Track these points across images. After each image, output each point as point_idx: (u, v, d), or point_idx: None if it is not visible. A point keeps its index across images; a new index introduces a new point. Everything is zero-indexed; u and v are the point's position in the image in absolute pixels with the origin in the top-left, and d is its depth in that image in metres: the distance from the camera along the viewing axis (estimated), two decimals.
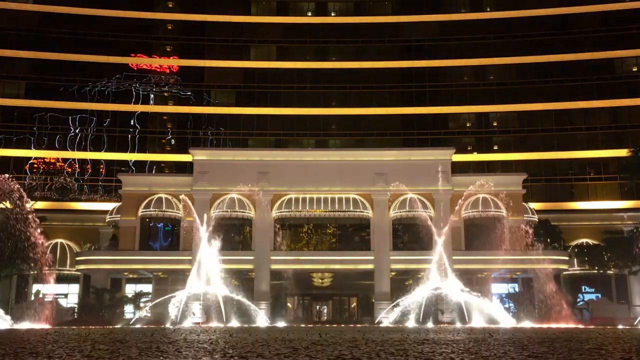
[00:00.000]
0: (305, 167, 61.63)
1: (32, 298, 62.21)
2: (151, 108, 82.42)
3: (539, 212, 67.26)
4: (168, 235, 61.80)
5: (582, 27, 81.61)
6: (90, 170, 78.97)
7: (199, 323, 53.40)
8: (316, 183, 60.87)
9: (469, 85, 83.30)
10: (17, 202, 54.25)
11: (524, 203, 63.20)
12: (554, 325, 48.43)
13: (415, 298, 50.57)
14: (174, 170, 79.60)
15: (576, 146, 79.35)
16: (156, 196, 61.45)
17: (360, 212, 60.83)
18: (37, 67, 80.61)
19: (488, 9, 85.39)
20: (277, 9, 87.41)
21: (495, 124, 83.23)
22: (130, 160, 79.60)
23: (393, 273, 60.24)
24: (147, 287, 62.26)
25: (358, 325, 49.83)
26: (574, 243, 70.17)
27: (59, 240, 70.36)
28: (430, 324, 51.82)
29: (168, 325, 47.65)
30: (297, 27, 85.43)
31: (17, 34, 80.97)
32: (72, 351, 15.18)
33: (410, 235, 61.40)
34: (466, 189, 61.91)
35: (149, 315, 59.07)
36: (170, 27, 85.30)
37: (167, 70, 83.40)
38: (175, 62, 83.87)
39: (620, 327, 44.55)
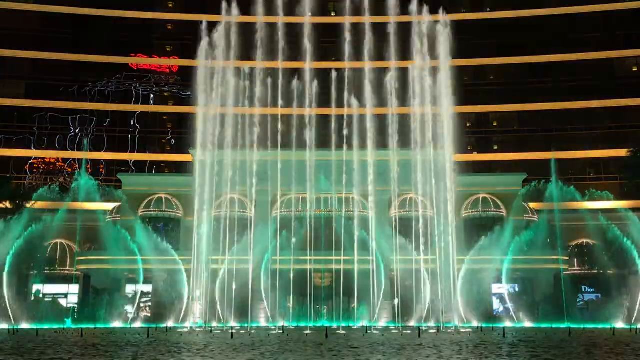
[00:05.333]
0: (305, 167, 61.53)
1: (32, 298, 62.18)
2: (151, 108, 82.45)
3: (539, 212, 67.19)
4: (168, 235, 61.76)
5: (582, 27, 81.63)
6: (90, 170, 78.95)
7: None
8: (316, 183, 60.78)
9: (469, 85, 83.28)
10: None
11: (524, 203, 63.23)
12: (554, 325, 48.48)
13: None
14: (174, 170, 79.61)
15: (576, 146, 79.32)
16: (156, 196, 61.46)
17: (360, 212, 60.80)
18: (37, 67, 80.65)
19: (488, 9, 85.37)
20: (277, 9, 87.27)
21: (495, 124, 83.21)
22: (130, 160, 79.63)
23: (393, 273, 60.18)
24: (147, 287, 62.21)
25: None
26: (574, 243, 70.15)
27: (59, 241, 70.32)
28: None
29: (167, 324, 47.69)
30: (297, 27, 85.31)
31: (17, 34, 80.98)
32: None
33: (410, 236, 61.33)
34: (466, 189, 62.05)
35: (149, 314, 59.14)
36: (170, 27, 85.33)
37: (167, 70, 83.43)
38: (175, 62, 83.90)
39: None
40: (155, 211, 60.91)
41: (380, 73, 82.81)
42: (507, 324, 52.34)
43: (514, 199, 62.03)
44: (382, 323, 55.36)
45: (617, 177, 75.85)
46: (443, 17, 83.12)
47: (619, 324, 50.21)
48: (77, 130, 79.73)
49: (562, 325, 48.34)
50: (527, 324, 53.67)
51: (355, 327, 50.33)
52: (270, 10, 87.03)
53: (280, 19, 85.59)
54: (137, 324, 54.23)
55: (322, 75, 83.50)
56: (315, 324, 52.92)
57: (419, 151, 64.71)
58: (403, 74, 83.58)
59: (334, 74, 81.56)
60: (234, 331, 36.94)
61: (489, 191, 61.82)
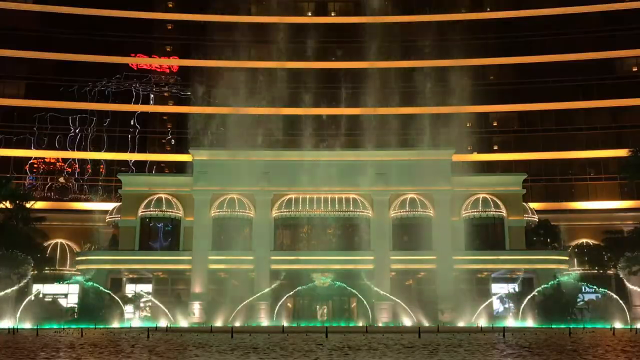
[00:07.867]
0: (305, 167, 61.53)
1: (32, 298, 62.12)
2: (151, 108, 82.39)
3: (539, 212, 67.24)
4: (168, 235, 61.78)
5: (582, 27, 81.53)
6: (90, 170, 78.93)
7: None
8: (316, 183, 60.75)
9: (469, 86, 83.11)
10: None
11: (524, 203, 63.21)
12: (554, 326, 48.50)
13: None
14: (174, 170, 79.53)
15: (576, 146, 79.26)
16: (156, 196, 61.42)
17: (360, 212, 60.81)
18: (37, 67, 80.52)
19: (488, 9, 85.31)
20: (278, 9, 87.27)
21: (495, 124, 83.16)
22: (130, 160, 79.58)
23: (393, 273, 60.20)
24: (147, 287, 62.26)
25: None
26: (574, 243, 70.17)
27: (59, 240, 70.35)
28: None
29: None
30: (297, 27, 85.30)
31: (17, 34, 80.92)
32: None
33: (410, 235, 61.38)
34: (466, 189, 62.05)
35: (149, 315, 59.15)
36: (170, 27, 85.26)
37: (167, 70, 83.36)
38: (175, 62, 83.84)
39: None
40: (155, 211, 60.87)
41: (382, 73, 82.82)
42: (509, 323, 52.31)
43: (514, 199, 61.97)
44: (379, 323, 55.39)
45: (617, 177, 75.79)
46: (443, 17, 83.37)
47: (618, 324, 50.22)
48: (77, 130, 79.66)
49: (563, 325, 48.36)
50: (528, 323, 53.65)
51: (354, 327, 50.34)
52: (268, 11, 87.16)
53: (279, 19, 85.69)
54: (137, 324, 54.21)
55: (323, 75, 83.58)
56: (315, 323, 52.95)
57: (419, 151, 64.81)
58: (404, 74, 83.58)
59: (334, 74, 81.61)
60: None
61: (489, 191, 61.75)
